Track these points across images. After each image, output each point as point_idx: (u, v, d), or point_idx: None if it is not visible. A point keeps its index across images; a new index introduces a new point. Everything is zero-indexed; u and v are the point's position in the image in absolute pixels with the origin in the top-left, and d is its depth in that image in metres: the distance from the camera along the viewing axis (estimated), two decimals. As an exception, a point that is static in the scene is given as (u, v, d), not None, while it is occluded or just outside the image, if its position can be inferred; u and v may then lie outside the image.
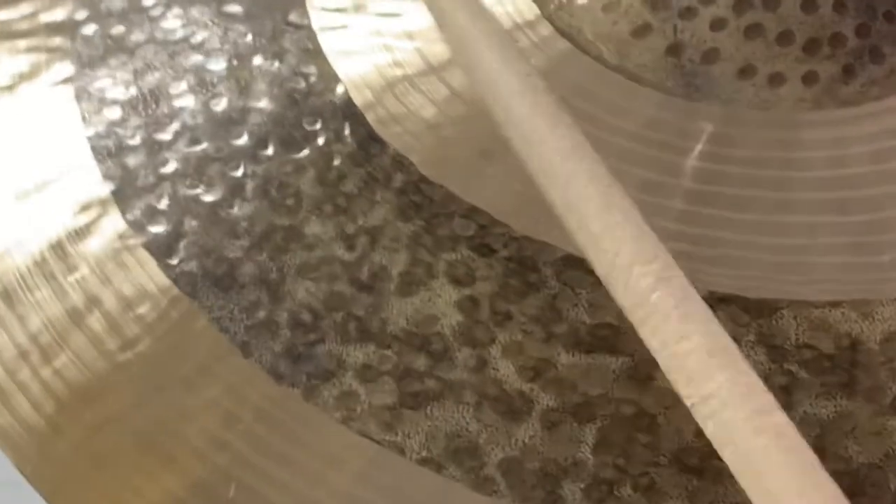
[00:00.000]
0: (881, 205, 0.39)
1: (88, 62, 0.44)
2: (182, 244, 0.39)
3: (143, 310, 0.38)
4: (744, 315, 0.37)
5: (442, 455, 0.35)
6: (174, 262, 0.39)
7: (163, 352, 0.37)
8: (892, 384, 0.35)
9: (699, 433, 0.34)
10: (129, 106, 0.43)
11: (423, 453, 0.35)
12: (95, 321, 0.38)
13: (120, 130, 0.42)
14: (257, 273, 0.38)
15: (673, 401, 0.35)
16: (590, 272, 0.38)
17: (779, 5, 0.42)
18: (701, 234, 0.39)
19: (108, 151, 0.42)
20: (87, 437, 0.36)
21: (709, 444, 0.35)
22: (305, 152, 0.41)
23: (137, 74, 0.44)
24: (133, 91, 0.43)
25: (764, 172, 0.40)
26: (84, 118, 0.43)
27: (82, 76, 0.44)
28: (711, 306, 0.36)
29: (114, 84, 0.44)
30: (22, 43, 0.45)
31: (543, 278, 0.38)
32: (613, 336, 0.36)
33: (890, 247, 0.38)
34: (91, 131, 0.42)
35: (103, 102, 0.43)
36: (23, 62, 0.45)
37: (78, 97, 0.43)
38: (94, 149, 0.42)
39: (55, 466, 0.35)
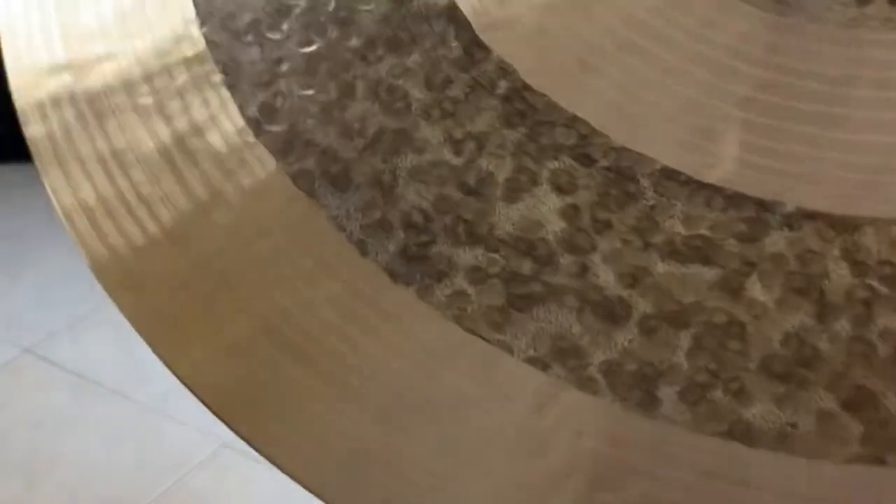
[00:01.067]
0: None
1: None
2: (298, 143, 0.41)
3: (264, 205, 0.40)
4: (829, 230, 0.38)
5: (548, 355, 0.37)
6: (291, 159, 0.40)
7: (284, 246, 0.39)
8: (965, 302, 0.37)
9: (786, 342, 0.37)
10: (240, 2, 0.44)
11: (530, 353, 0.37)
12: (220, 214, 0.40)
13: (233, 26, 0.43)
14: (371, 174, 0.40)
15: (762, 311, 0.37)
16: (685, 184, 0.40)
17: None
18: (789, 150, 0.40)
19: (223, 47, 0.43)
20: (221, 326, 0.38)
21: (796, 353, 0.37)
22: (413, 56, 0.42)
23: (247, -30, 0.45)
24: None
25: (853, 91, 0.41)
26: (198, 10, 0.44)
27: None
28: (800, 222, 0.38)
29: (225, -21, 0.44)
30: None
31: (641, 189, 0.39)
32: (707, 247, 0.38)
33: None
34: (206, 27, 0.43)
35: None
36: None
37: (191, -7, 0.44)
38: (209, 43, 0.43)
39: (192, 353, 0.38)
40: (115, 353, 1.47)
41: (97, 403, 1.42)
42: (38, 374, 1.45)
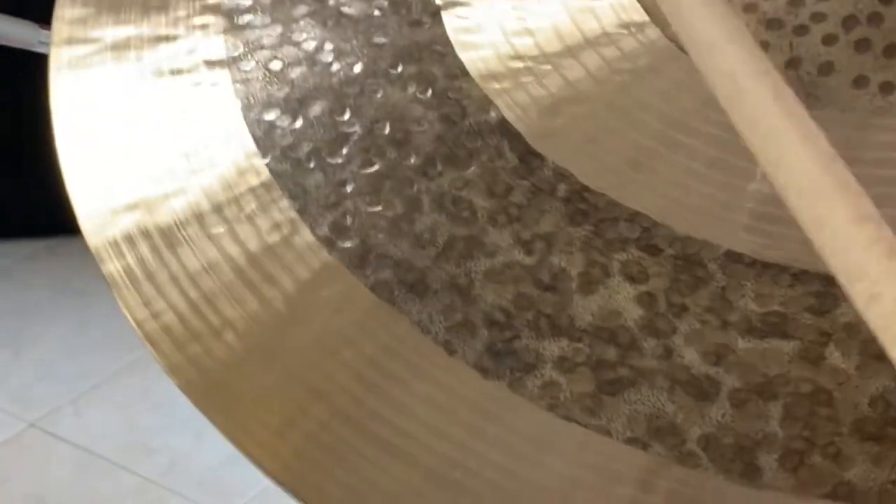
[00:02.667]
0: None
1: (252, 94, 0.46)
2: (372, 256, 0.41)
3: (346, 317, 0.40)
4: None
5: (645, 434, 0.37)
6: (368, 272, 0.41)
7: (371, 353, 0.39)
8: None
9: (873, 403, 0.37)
10: (299, 133, 0.45)
11: (628, 434, 0.37)
12: (303, 328, 0.40)
13: (294, 155, 0.44)
14: (447, 279, 0.40)
15: (845, 378, 0.38)
16: (750, 265, 0.40)
17: (882, 21, 0.45)
18: None
19: (287, 174, 0.44)
20: (317, 432, 0.38)
21: (883, 414, 0.37)
22: (472, 168, 0.43)
23: (301, 104, 0.46)
24: (300, 121, 0.45)
25: (892, 172, 0.43)
26: (259, 145, 0.45)
27: (250, 108, 0.46)
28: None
29: (281, 113, 0.46)
30: (186, 78, 0.47)
31: (710, 273, 0.40)
32: (783, 322, 0.39)
33: None
34: (268, 157, 0.44)
35: (273, 130, 0.45)
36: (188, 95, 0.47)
37: (250, 127, 0.45)
38: (273, 172, 0.44)
39: (293, 459, 0.37)
40: (118, 427, 1.45)
41: (100, 478, 1.40)
42: (42, 449, 1.43)
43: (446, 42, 0.47)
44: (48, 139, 0.43)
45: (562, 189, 0.42)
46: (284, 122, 0.45)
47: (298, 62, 0.47)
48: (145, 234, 0.43)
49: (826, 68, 0.45)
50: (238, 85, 0.47)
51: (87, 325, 1.63)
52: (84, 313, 1.65)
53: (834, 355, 0.38)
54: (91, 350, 1.58)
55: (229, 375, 0.39)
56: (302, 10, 0.49)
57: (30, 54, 1.05)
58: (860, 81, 0.45)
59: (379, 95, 0.46)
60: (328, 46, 0.47)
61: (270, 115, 0.45)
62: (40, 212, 1.67)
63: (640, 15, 0.47)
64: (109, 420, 1.48)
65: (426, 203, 0.42)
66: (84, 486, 1.39)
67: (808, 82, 0.45)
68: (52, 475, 1.41)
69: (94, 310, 1.66)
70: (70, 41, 0.49)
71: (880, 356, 0.37)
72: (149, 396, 1.52)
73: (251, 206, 0.43)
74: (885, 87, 0.45)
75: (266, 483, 0.36)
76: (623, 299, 0.39)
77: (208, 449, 1.41)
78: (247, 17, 0.49)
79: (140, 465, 1.41)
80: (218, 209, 0.43)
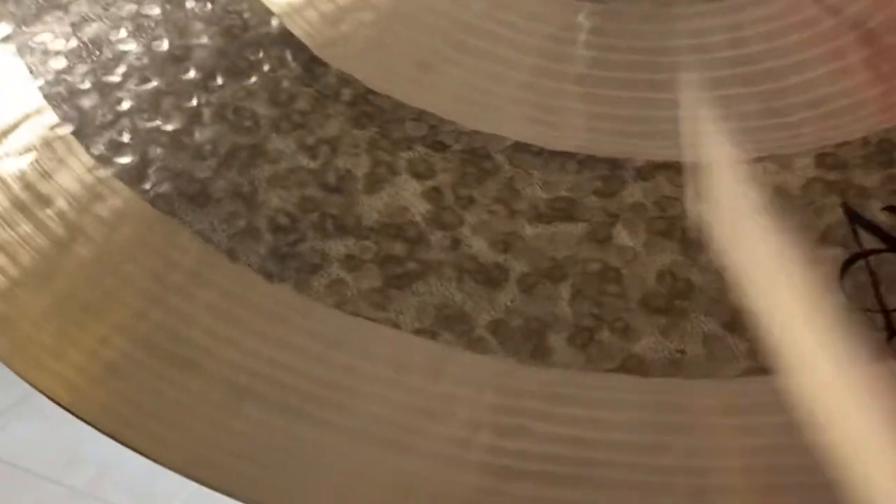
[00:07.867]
0: (782, 75, 0.43)
1: (23, 20, 0.45)
2: (151, 170, 0.40)
3: (126, 232, 0.39)
4: (678, 177, 0.40)
5: (434, 324, 0.37)
6: (147, 186, 0.40)
7: (155, 266, 0.38)
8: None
9: (660, 278, 0.38)
10: (73, 55, 0.44)
11: (416, 325, 0.37)
12: (81, 247, 0.39)
13: (69, 77, 0.43)
14: (230, 188, 0.40)
15: (632, 255, 0.38)
16: (537, 154, 0.41)
17: None
18: (627, 114, 0.42)
19: (61, 97, 0.42)
20: (97, 349, 0.37)
21: (671, 287, 0.38)
22: (253, 79, 0.42)
23: (75, 27, 0.45)
24: (74, 42, 0.44)
25: (673, 59, 0.43)
26: (31, 70, 0.43)
27: (20, 34, 0.45)
28: (651, 173, 0.40)
29: (54, 38, 0.44)
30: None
31: (498, 164, 0.40)
32: (570, 206, 0.39)
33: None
34: (41, 81, 0.43)
35: (47, 55, 0.44)
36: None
37: (20, 53, 0.44)
38: (46, 96, 0.43)
39: (70, 379, 0.36)
40: (43, 439, 1.40)
41: (27, 491, 1.35)
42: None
43: None
44: None
45: (346, 93, 0.42)
46: (58, 45, 0.44)
47: None
48: None
49: None
50: (8, 5, 0.45)
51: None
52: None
53: (621, 235, 0.38)
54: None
55: (6, 302, 0.38)
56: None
57: None
58: None
59: (156, 13, 0.45)
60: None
61: (41, 38, 0.44)
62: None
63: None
64: (34, 433, 1.43)
65: (207, 115, 0.41)
66: (10, 500, 1.34)
67: None
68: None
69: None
70: None
71: (666, 233, 0.38)
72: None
73: (27, 135, 0.42)
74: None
75: (194, 487, 0.35)
76: (410, 195, 0.39)
77: (136, 455, 1.37)
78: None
79: (68, 477, 1.37)
80: None
